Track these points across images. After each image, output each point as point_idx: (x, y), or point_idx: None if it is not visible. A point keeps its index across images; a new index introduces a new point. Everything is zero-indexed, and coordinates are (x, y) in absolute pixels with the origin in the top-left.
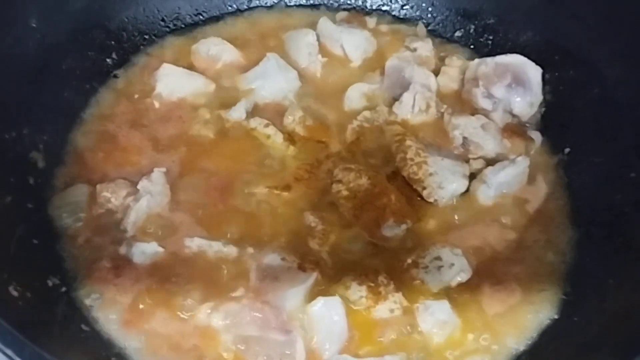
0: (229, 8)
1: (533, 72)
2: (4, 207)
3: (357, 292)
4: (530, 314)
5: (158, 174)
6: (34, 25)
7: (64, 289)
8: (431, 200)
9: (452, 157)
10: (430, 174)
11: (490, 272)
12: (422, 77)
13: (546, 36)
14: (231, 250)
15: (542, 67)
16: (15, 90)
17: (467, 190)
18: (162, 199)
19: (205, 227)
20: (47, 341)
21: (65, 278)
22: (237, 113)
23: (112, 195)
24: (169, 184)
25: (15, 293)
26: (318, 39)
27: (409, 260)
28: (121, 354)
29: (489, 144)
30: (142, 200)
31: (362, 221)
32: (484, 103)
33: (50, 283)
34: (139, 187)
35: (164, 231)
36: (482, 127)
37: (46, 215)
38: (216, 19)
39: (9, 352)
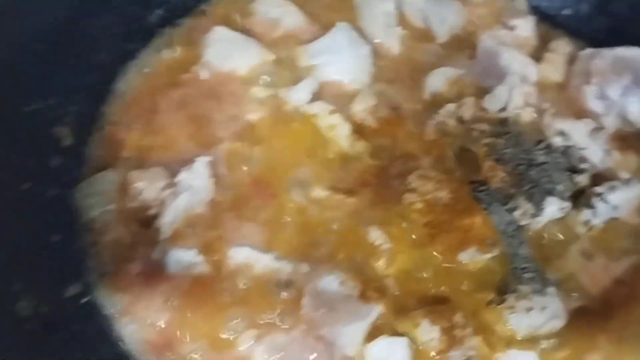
0: None
1: None
2: (21, 195)
3: (429, 332)
4: None
5: (201, 164)
6: None
7: (84, 299)
8: (522, 223)
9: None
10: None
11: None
12: (521, 65)
13: None
14: (284, 267)
15: None
16: (40, 50)
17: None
18: (205, 196)
19: (252, 233)
20: None
21: (86, 284)
22: (299, 94)
23: (147, 187)
24: (213, 177)
25: (26, 312)
26: (398, 8)
27: (491, 297)
28: None
29: (596, 156)
30: (181, 196)
31: (438, 243)
32: (594, 105)
33: (69, 292)
34: (178, 179)
35: (205, 236)
36: (590, 134)
37: (70, 205)
38: None
39: None
